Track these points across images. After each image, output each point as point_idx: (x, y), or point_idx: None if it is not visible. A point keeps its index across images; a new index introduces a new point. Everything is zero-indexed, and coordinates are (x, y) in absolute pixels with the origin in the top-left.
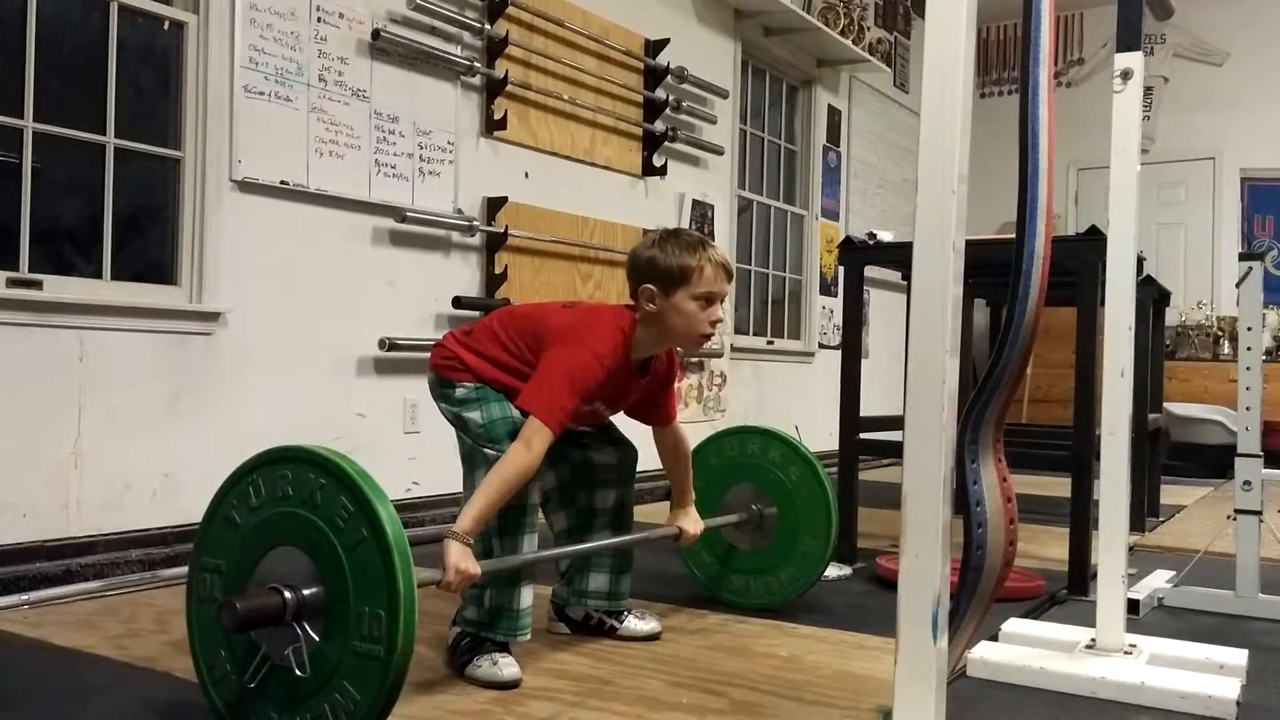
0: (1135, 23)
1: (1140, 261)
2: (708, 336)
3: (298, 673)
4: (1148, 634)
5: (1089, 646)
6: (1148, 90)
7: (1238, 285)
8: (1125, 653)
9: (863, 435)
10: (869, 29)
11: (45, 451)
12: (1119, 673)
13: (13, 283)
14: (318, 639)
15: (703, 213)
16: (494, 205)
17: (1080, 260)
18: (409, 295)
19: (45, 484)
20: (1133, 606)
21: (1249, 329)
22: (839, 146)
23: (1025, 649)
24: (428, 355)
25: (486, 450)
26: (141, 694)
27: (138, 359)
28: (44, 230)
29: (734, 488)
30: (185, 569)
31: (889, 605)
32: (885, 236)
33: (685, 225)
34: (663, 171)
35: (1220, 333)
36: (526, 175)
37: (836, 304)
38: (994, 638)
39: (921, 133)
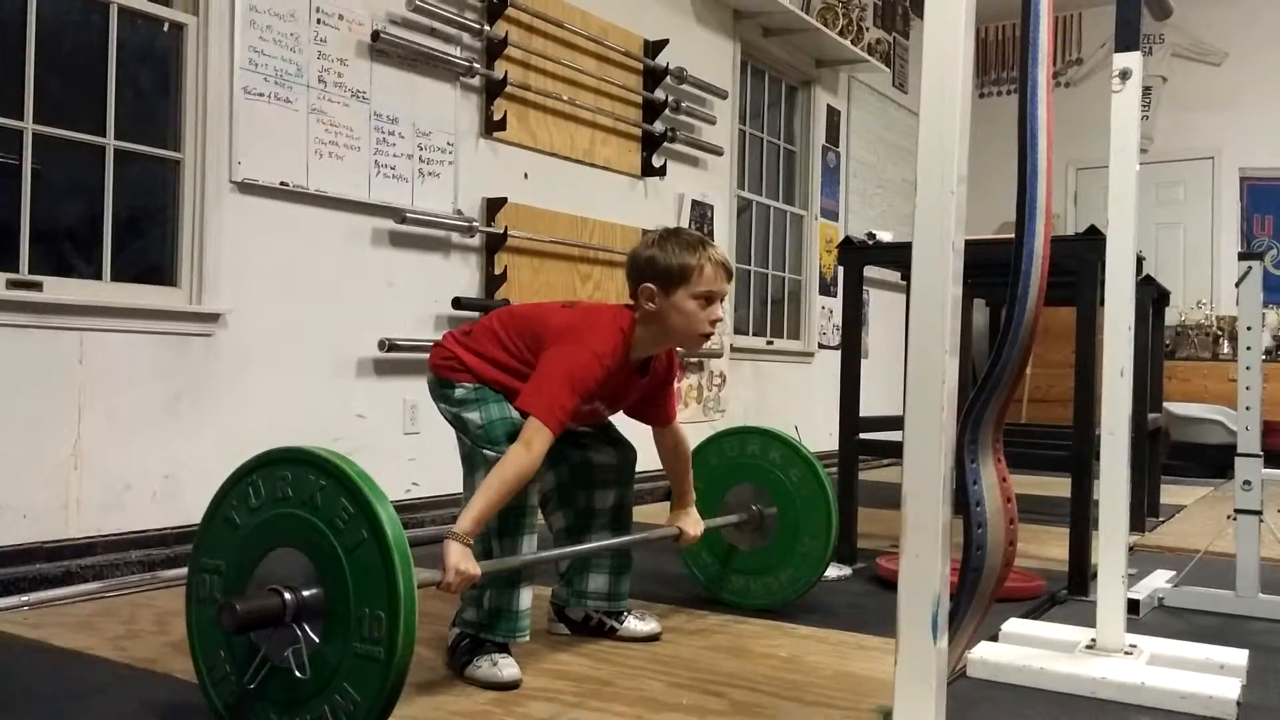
0: (1134, 23)
1: (1139, 261)
2: (708, 336)
3: (297, 674)
4: (1148, 634)
5: (1089, 647)
6: (1146, 90)
7: (1237, 285)
8: (1125, 653)
9: (862, 435)
10: (868, 29)
11: (45, 453)
12: (1119, 673)
13: (13, 284)
14: (318, 640)
15: (702, 213)
16: (493, 206)
17: (1079, 260)
18: (409, 296)
19: (45, 485)
20: (1133, 606)
21: (1248, 328)
22: (838, 147)
23: (1025, 649)
24: (427, 356)
25: (485, 451)
26: (141, 695)
27: (137, 360)
28: (44, 231)
29: (734, 488)
30: (185, 570)
31: (889, 605)
32: (884, 236)
33: (685, 225)
34: (662, 172)
35: (1220, 332)
36: (526, 176)
37: (836, 304)
38: (994, 638)
39: (920, 133)
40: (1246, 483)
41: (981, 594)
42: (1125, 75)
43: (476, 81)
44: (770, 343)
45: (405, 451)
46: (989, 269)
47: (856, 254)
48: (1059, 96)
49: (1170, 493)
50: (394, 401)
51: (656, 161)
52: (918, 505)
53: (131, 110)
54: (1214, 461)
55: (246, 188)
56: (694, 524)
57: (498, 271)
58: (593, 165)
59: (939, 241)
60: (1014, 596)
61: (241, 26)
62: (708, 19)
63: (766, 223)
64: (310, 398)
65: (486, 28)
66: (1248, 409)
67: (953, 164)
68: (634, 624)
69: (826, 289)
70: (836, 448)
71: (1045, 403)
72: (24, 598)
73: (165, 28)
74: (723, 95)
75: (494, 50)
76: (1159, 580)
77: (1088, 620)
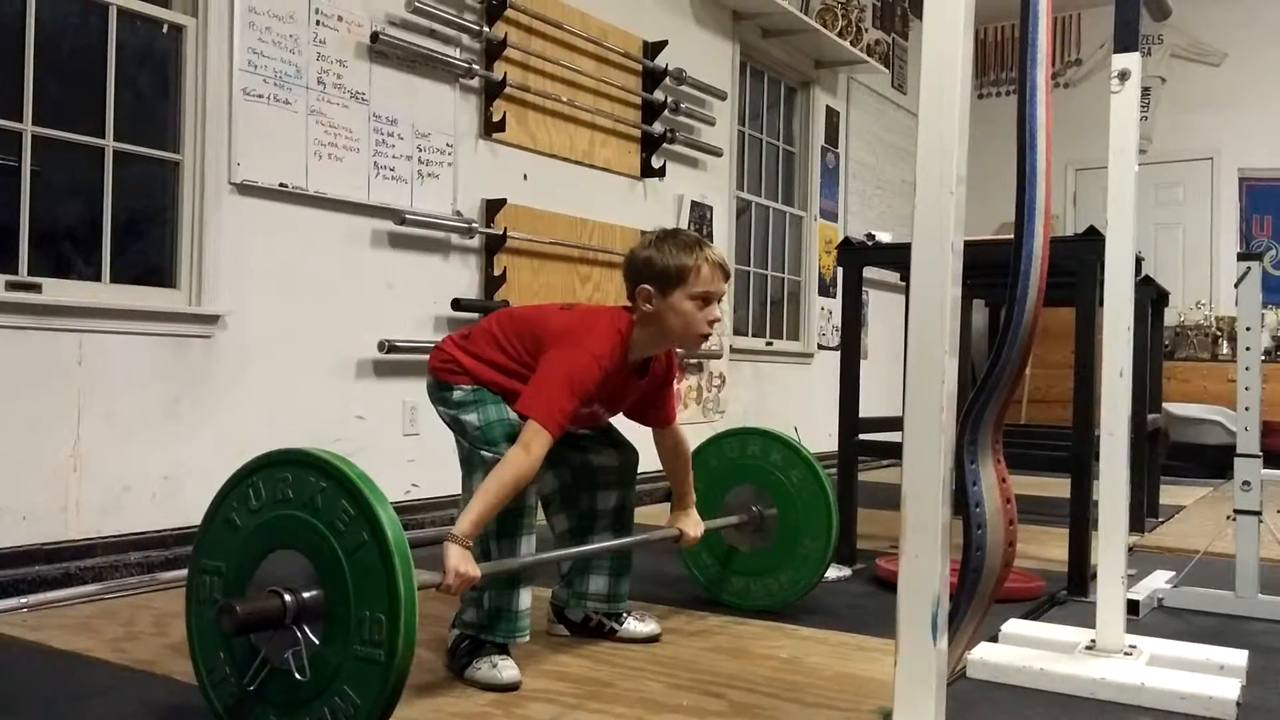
0: (1132, 23)
1: (1139, 261)
2: (706, 336)
3: (297, 676)
4: (1148, 635)
5: (1089, 647)
6: (1145, 91)
7: (1236, 285)
8: (1125, 654)
9: (862, 436)
10: (867, 30)
11: (44, 454)
12: (1119, 674)
13: (12, 285)
14: (317, 642)
15: (701, 214)
16: (493, 207)
17: (1079, 260)
18: (408, 297)
19: (44, 487)
20: (1132, 607)
21: (1248, 329)
22: (837, 148)
23: (1025, 650)
24: (427, 358)
25: (483, 452)
26: (140, 697)
27: (137, 362)
28: (43, 233)
29: (734, 489)
30: (184, 572)
31: (889, 606)
32: (884, 237)
33: (684, 226)
34: (661, 173)
35: (1219, 333)
36: (525, 177)
37: (835, 305)
38: (994, 639)
39: (920, 134)
40: (1246, 483)
41: (981, 595)
42: (1124, 76)
43: (476, 83)
44: (770, 344)
45: (405, 453)
46: (988, 269)
47: (856, 255)
48: (1058, 97)
49: (1170, 493)
50: (393, 403)
51: (656, 162)
52: (917, 506)
53: (131, 112)
54: (1213, 462)
55: (246, 189)
56: (694, 525)
57: (497, 273)
58: (592, 166)
59: (938, 242)
60: (1014, 597)
61: (240, 28)
62: (707, 20)
63: (766, 224)
64: (310, 399)
65: (486, 29)
66: (1247, 409)
67: (952, 165)
68: (634, 625)
69: (826, 290)
70: (836, 448)
71: (1045, 403)
72: (23, 600)
73: (164, 29)
74: (722, 96)
75: (493, 51)
76: (1158, 581)
77: (1087, 621)
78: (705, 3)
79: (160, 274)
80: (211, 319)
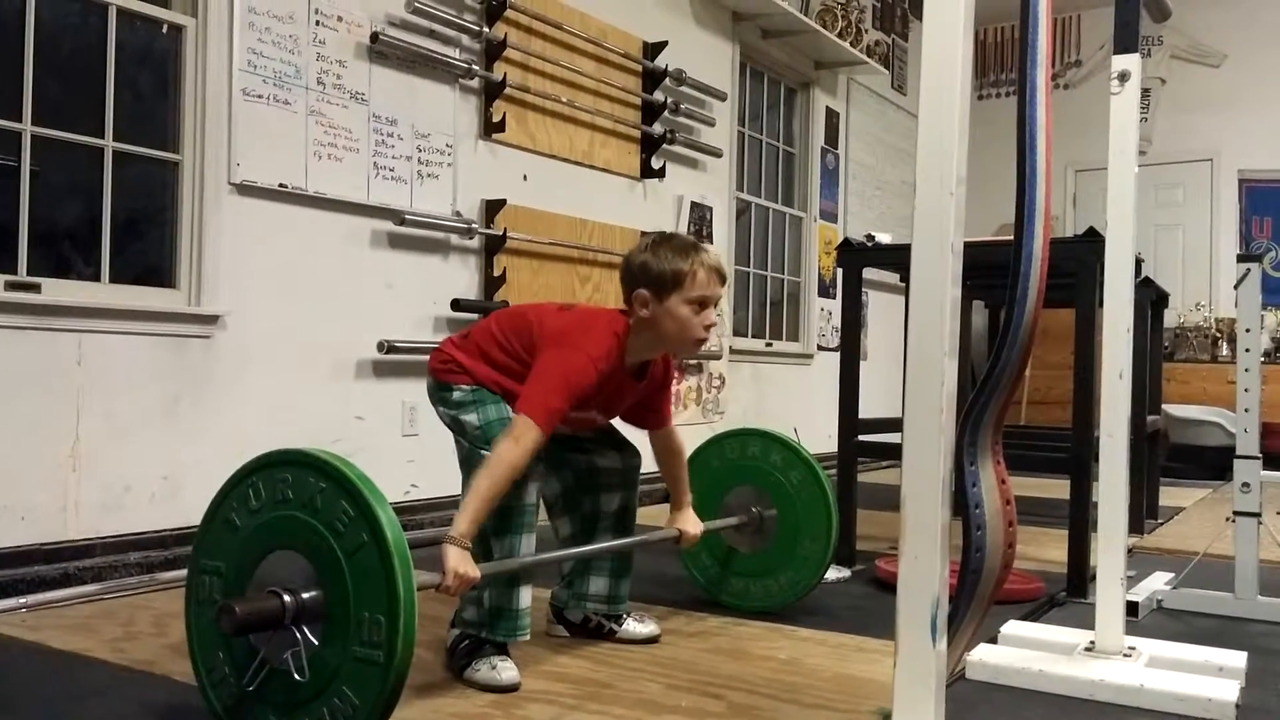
0: (1132, 24)
1: (1138, 263)
2: (702, 341)
3: (297, 677)
4: (1147, 636)
5: (1088, 649)
6: (1145, 92)
7: (1236, 287)
8: (1124, 655)
9: (861, 437)
10: (866, 31)
11: (43, 454)
12: (1118, 675)
13: (11, 285)
14: (317, 643)
15: (701, 215)
16: (492, 208)
17: (1078, 262)
18: (407, 298)
19: (43, 487)
20: (1132, 609)
21: (1247, 330)
22: (837, 148)
23: (1024, 651)
24: (426, 358)
25: (483, 452)
26: (140, 697)
27: (136, 362)
28: (43, 233)
29: (734, 490)
30: (184, 572)
31: (888, 608)
32: (883, 238)
33: (684, 228)
34: (661, 174)
35: (1218, 334)
36: (525, 178)
37: (835, 306)
38: (993, 640)
39: (919, 135)
40: (1245, 485)
41: (980, 596)
42: (1124, 77)
43: (475, 83)
44: (769, 345)
45: (404, 453)
46: (988, 271)
47: (855, 256)
48: (1058, 98)
49: (1169, 495)
50: (393, 403)
51: (655, 163)
52: (917, 507)
53: (130, 112)
54: (1213, 463)
55: (245, 189)
56: (693, 525)
57: (497, 273)
58: (592, 167)
59: (938, 243)
60: (1013, 599)
61: (240, 28)
62: (707, 21)
63: (765, 224)
64: (309, 399)
65: (485, 29)
66: (1246, 411)
67: (952, 166)
68: (633, 626)
69: (825, 291)
70: (836, 449)
71: (1044, 405)
72: (22, 600)
73: (164, 29)
74: (722, 97)
75: (493, 52)
76: (1158, 582)
77: (1087, 622)
78: (705, 3)
79: (160, 274)
80: (211, 319)
